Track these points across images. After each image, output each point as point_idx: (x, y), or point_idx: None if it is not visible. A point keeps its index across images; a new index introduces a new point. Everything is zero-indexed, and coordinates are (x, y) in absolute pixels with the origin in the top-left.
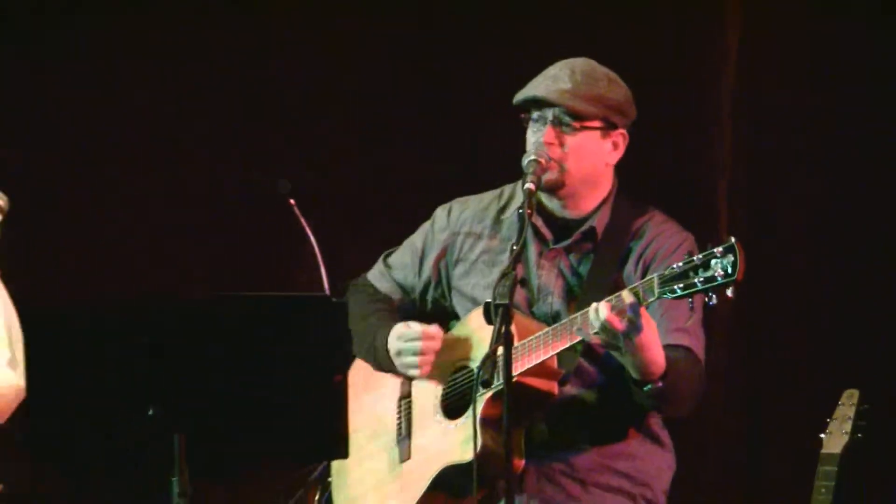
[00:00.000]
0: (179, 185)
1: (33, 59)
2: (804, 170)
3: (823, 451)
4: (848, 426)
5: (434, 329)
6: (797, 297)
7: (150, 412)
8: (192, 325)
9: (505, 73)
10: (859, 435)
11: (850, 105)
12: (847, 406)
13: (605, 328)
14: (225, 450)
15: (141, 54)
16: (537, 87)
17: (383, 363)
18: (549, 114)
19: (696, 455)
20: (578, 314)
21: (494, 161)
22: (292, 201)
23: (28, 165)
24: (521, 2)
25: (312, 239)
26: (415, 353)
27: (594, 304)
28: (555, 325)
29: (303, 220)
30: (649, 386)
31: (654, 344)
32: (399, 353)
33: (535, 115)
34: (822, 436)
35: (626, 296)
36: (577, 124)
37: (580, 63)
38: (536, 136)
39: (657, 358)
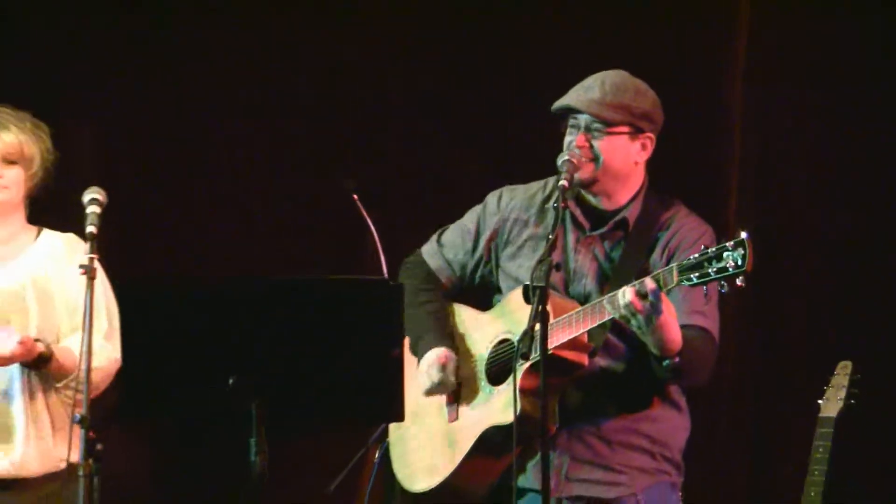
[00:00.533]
0: (264, 184)
1: (141, 57)
2: (809, 162)
3: (821, 415)
4: (842, 393)
5: (448, 384)
6: (800, 281)
7: (231, 381)
8: (268, 304)
9: (530, 79)
10: (852, 401)
11: (852, 100)
12: (842, 376)
13: (630, 310)
14: (297, 414)
15: (225, 60)
16: (571, 96)
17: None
18: (581, 120)
19: (708, 418)
20: (607, 296)
21: (533, 159)
22: (356, 197)
23: (131, 163)
24: (541, 14)
25: (373, 229)
26: (427, 388)
27: (621, 289)
28: (586, 306)
29: (365, 214)
30: (667, 361)
31: (672, 325)
32: (420, 373)
33: (570, 121)
34: (820, 402)
35: (649, 282)
36: (604, 129)
37: (612, 75)
38: (570, 138)
39: (675, 337)
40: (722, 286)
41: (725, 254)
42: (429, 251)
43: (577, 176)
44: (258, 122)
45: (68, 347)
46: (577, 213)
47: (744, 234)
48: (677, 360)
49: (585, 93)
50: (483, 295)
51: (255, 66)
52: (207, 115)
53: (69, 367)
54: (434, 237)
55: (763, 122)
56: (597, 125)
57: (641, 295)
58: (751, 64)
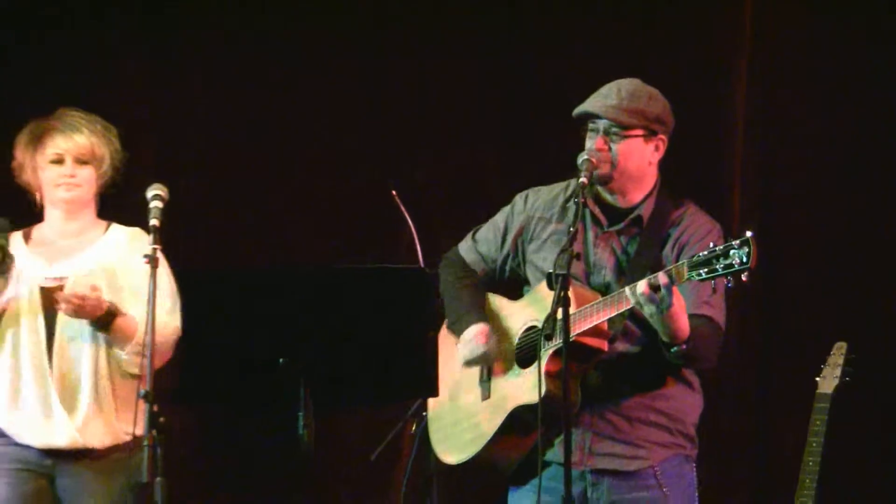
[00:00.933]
0: (311, 181)
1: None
2: (809, 158)
3: (818, 391)
4: (838, 372)
5: (490, 356)
6: (799, 270)
7: (280, 362)
8: (314, 291)
9: (552, 84)
10: (847, 379)
11: (849, 99)
12: (837, 355)
13: (643, 301)
14: (340, 391)
15: (273, 61)
16: (590, 103)
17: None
18: (600, 125)
19: (717, 396)
20: (625, 288)
21: (560, 158)
22: (394, 192)
23: (190, 162)
24: (567, 28)
25: (410, 222)
26: (467, 360)
27: (635, 283)
28: (605, 297)
29: (402, 208)
30: (675, 348)
31: (681, 316)
32: (464, 343)
33: (590, 126)
34: (818, 379)
35: (662, 276)
36: (622, 133)
37: (626, 83)
38: (590, 142)
39: (683, 326)
40: (728, 281)
41: (732, 252)
42: (464, 247)
43: (596, 174)
44: (309, 124)
45: (132, 315)
46: (596, 210)
47: (748, 234)
48: (685, 346)
49: (604, 99)
50: (514, 287)
51: (302, 67)
52: (261, 115)
53: (132, 330)
54: (469, 235)
55: (766, 120)
56: (614, 129)
57: (654, 287)
58: (754, 64)
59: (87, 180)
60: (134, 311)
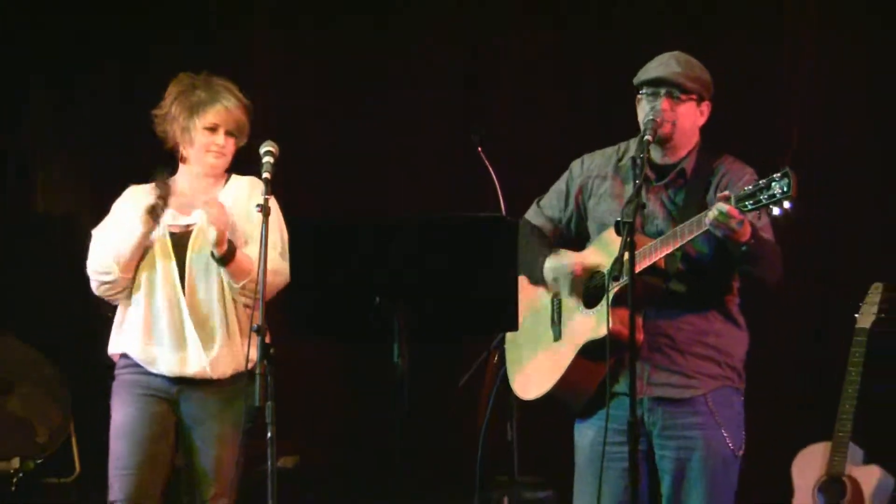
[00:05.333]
0: (412, 140)
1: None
2: (853, 118)
3: (857, 326)
4: (875, 308)
5: (578, 267)
6: (844, 218)
7: (377, 300)
8: (410, 237)
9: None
10: (882, 315)
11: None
12: (874, 294)
13: (724, 213)
14: (431, 325)
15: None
16: (658, 70)
17: (540, 283)
18: (663, 89)
19: (764, 331)
20: (676, 228)
21: (620, 128)
22: (480, 149)
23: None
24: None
25: (495, 177)
26: (556, 277)
27: (693, 219)
28: (662, 237)
29: (488, 164)
30: (745, 246)
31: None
32: (555, 280)
33: (649, 90)
34: (856, 315)
35: (721, 205)
36: (683, 96)
37: (680, 54)
38: (652, 104)
39: (747, 230)
40: (770, 211)
41: (773, 183)
42: (531, 214)
43: (659, 133)
44: (411, 90)
45: (247, 254)
46: (646, 168)
47: (787, 168)
48: (752, 241)
49: (667, 67)
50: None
51: (402, 41)
52: (364, 82)
53: (248, 267)
54: (534, 203)
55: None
56: (677, 92)
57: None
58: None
59: (231, 150)
60: (249, 251)
